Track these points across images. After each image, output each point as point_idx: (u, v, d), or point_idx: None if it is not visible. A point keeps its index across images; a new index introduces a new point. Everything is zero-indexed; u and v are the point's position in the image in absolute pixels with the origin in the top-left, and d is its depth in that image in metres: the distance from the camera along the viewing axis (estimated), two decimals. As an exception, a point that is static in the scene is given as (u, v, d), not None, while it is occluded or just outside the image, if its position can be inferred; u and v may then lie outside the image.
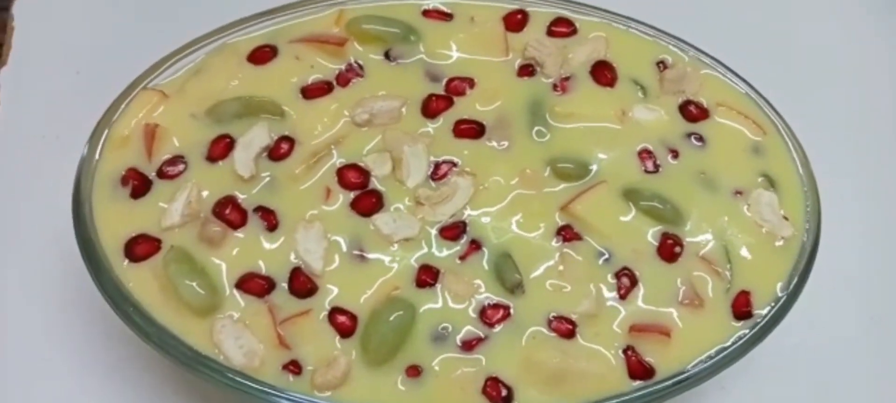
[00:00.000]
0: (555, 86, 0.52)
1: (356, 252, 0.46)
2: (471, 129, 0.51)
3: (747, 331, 0.46)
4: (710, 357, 0.45)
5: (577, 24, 0.54)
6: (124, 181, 0.48)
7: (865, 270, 0.56)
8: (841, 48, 0.66)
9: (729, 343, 0.46)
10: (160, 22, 0.63)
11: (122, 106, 0.50)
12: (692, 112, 0.52)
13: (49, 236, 0.54)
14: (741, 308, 0.47)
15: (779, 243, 0.48)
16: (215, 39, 0.52)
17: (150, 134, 0.49)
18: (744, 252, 0.48)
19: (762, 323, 0.46)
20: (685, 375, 0.45)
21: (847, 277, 0.56)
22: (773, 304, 0.47)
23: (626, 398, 0.44)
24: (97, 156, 0.49)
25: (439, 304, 0.45)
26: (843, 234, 0.53)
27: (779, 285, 0.47)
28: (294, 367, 0.44)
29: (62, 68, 0.62)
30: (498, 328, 0.45)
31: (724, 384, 0.52)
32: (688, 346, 0.45)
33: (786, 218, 0.49)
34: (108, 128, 0.49)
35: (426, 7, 0.54)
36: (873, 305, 0.55)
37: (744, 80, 0.53)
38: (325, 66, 0.52)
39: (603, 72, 0.53)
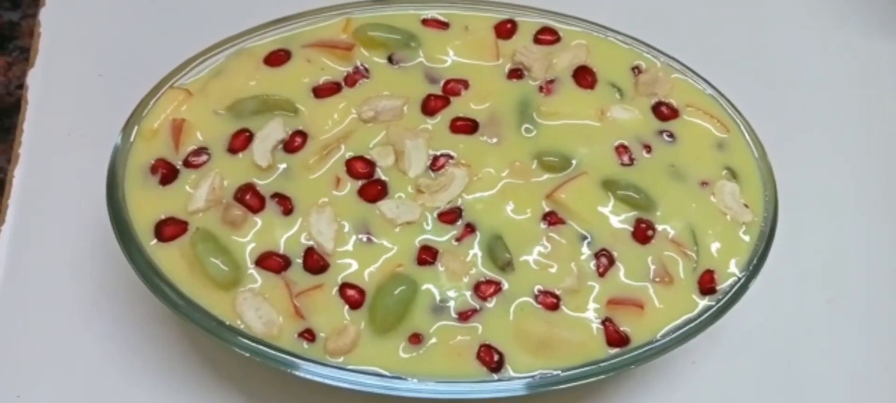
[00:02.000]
0: (541, 88, 0.55)
1: (363, 234, 0.49)
2: (466, 126, 0.53)
3: (712, 305, 0.49)
4: (679, 328, 0.48)
5: (561, 33, 0.57)
6: (154, 170, 0.50)
7: (821, 253, 0.59)
8: (796, 55, 0.69)
9: (695, 316, 0.48)
10: (177, 29, 0.65)
11: (151, 102, 0.52)
12: (663, 112, 0.55)
13: (82, 223, 0.56)
14: (706, 285, 0.49)
15: (740, 228, 0.51)
16: (234, 44, 0.55)
17: (177, 128, 0.51)
18: (709, 236, 0.51)
19: (725, 299, 0.49)
20: (656, 343, 0.48)
21: (804, 260, 0.58)
22: (734, 282, 0.49)
23: (605, 363, 0.47)
24: (129, 147, 0.51)
25: (438, 280, 0.48)
26: (799, 221, 0.55)
27: (740, 265, 0.50)
28: (308, 335, 0.46)
29: (85, 71, 0.63)
30: (491, 301, 0.48)
31: (694, 359, 0.54)
32: (659, 318, 0.48)
33: (746, 206, 0.51)
34: (139, 123, 0.51)
35: (425, 16, 0.56)
36: (828, 285, 0.58)
37: (710, 84, 0.56)
38: (334, 69, 0.54)
39: (584, 76, 0.55)
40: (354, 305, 0.47)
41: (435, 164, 0.51)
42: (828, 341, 0.56)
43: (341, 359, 0.46)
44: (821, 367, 0.55)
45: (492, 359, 0.47)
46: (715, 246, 0.50)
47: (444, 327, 0.47)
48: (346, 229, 0.49)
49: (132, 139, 0.51)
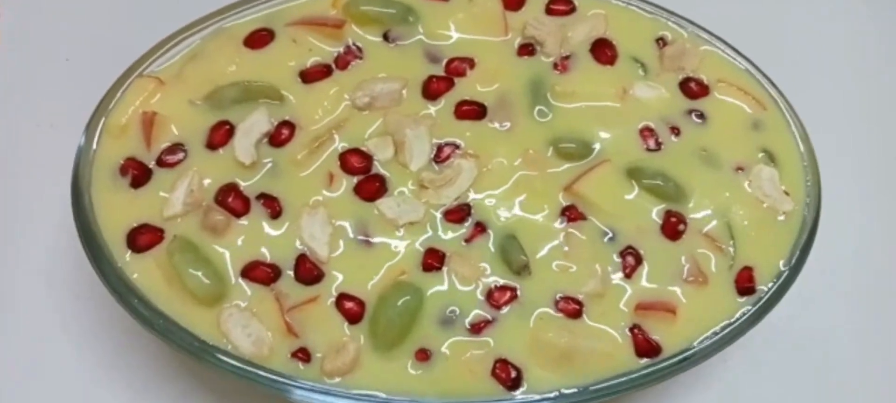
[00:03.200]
0: (555, 65, 0.52)
1: (361, 237, 0.46)
2: (472, 111, 0.50)
3: (751, 307, 0.46)
4: (716, 333, 0.45)
5: (576, 2, 0.54)
6: (123, 170, 0.48)
7: (863, 245, 0.57)
8: (839, 24, 0.66)
9: (733, 319, 0.46)
10: (152, 7, 0.62)
11: (118, 94, 0.49)
12: (692, 89, 0.52)
13: (51, 227, 0.54)
14: (744, 283, 0.47)
15: (780, 218, 0.48)
16: (211, 24, 0.52)
17: (148, 122, 0.48)
18: (746, 228, 0.48)
19: (765, 298, 0.46)
20: (692, 351, 0.45)
21: (844, 251, 0.56)
22: (775, 279, 0.47)
23: (634, 375, 0.44)
24: (95, 146, 0.48)
25: (446, 287, 0.45)
26: (841, 209, 0.53)
27: (781, 260, 0.47)
28: (303, 354, 0.44)
29: (51, 55, 0.61)
30: (505, 310, 0.45)
31: (725, 356, 0.52)
32: (693, 323, 0.46)
33: (786, 193, 0.49)
34: (105, 118, 0.49)
35: (424, -13, 0.53)
36: (870, 279, 0.56)
37: (743, 56, 0.53)
38: (324, 49, 0.51)
39: (603, 50, 0.53)
40: (353, 319, 0.45)
41: (439, 156, 0.49)
42: (864, 335, 0.54)
43: (340, 380, 0.44)
44: (857, 362, 0.53)
45: (509, 376, 0.44)
46: (752, 240, 0.48)
47: (455, 341, 0.45)
48: (342, 232, 0.46)
49: (98, 137, 0.48)
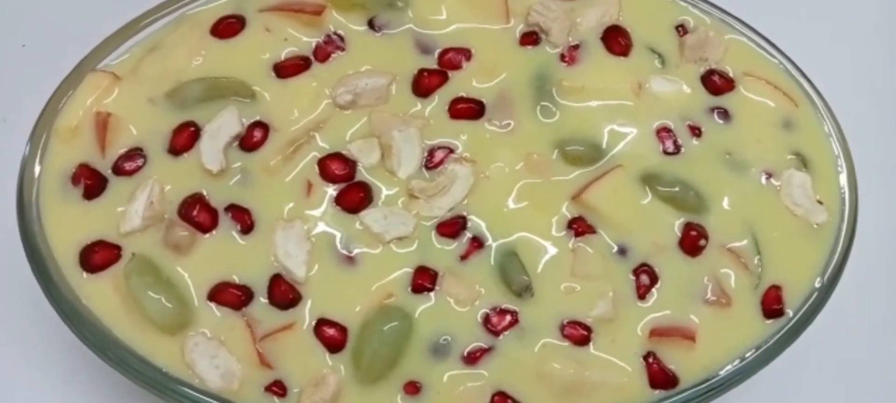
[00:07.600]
0: (562, 57, 0.50)
1: (343, 254, 0.44)
2: (469, 109, 0.48)
3: (778, 330, 0.44)
4: (739, 361, 0.43)
5: None
6: (75, 180, 0.45)
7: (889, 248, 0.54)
8: (882, 12, 0.63)
9: (759, 345, 0.43)
10: None
11: (69, 92, 0.47)
12: (716, 83, 0.50)
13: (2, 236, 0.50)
14: (772, 304, 0.45)
15: (812, 230, 0.46)
16: (174, 10, 0.49)
17: (102, 124, 0.46)
18: (774, 242, 0.46)
19: (794, 320, 0.44)
20: (712, 381, 0.43)
21: (882, 265, 0.53)
22: (806, 299, 0.45)
23: None
24: (42, 153, 0.45)
25: (438, 311, 0.43)
26: (879, 219, 0.50)
27: (812, 277, 0.45)
28: (278, 388, 0.42)
29: (6, 41, 0.59)
30: (504, 336, 0.43)
31: (749, 385, 0.47)
32: (714, 350, 0.43)
33: (820, 202, 0.47)
34: (53, 120, 0.46)
35: (414, -34, 0.50)
36: None
37: (774, 46, 0.51)
38: (301, 39, 0.49)
39: (616, 39, 0.50)
40: (334, 348, 0.43)
41: (431, 161, 0.47)
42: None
43: (320, 417, 0.41)
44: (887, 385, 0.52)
45: (508, 412, 0.42)
46: (781, 255, 0.46)
47: (448, 373, 0.42)
48: (322, 249, 0.44)
49: (44, 143, 0.46)
